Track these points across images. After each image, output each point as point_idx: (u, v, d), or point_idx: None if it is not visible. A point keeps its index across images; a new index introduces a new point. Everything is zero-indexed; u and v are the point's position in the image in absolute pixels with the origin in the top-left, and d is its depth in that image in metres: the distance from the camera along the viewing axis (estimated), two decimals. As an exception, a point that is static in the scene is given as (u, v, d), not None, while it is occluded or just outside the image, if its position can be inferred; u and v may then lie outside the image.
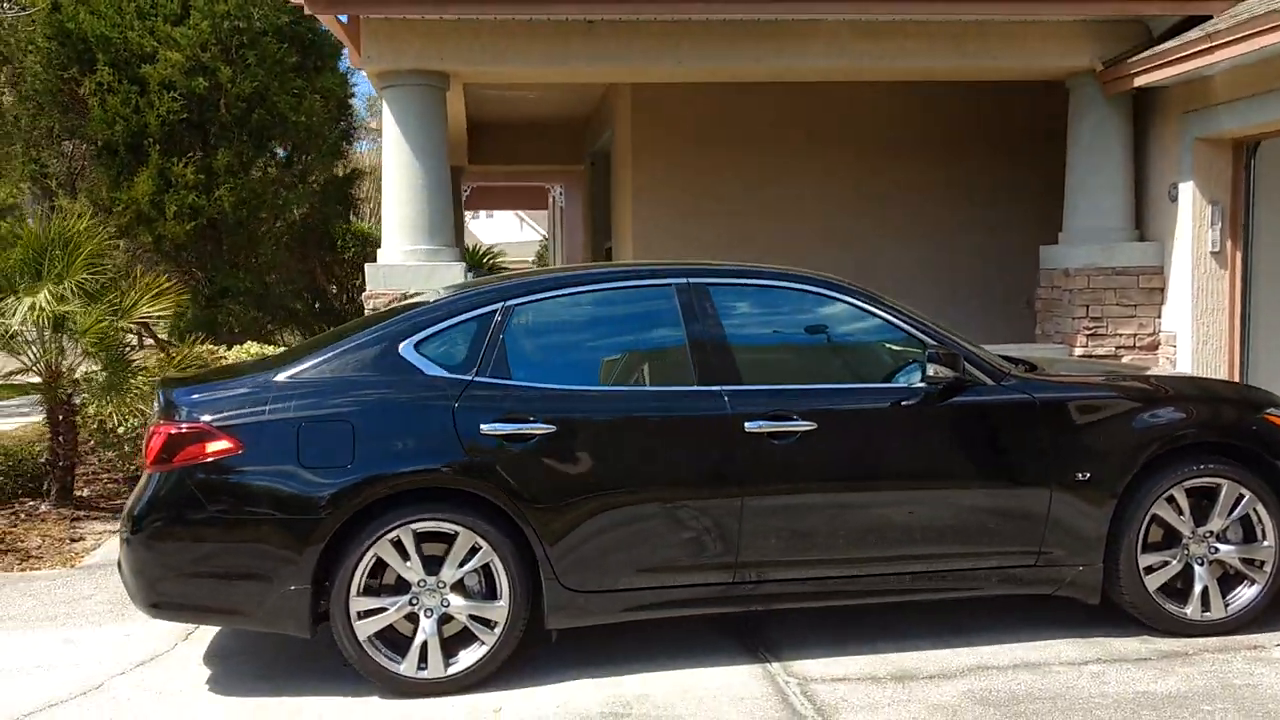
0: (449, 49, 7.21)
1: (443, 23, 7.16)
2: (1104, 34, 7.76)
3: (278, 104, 9.87)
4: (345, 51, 9.95)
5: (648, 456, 4.45)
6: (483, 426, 4.33)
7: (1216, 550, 4.78)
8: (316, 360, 4.53)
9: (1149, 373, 5.42)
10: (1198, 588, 4.76)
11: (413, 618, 4.35)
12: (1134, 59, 7.48)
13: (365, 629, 4.29)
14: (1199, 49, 6.83)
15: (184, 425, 4.31)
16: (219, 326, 9.57)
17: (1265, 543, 4.78)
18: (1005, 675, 4.37)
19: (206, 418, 4.32)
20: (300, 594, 4.25)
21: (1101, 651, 4.60)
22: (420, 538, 4.32)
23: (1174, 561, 4.75)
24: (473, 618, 4.36)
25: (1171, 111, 7.77)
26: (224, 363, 8.33)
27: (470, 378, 4.44)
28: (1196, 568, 4.77)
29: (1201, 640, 4.70)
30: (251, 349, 8.58)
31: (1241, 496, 4.75)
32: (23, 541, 7.06)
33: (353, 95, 11.55)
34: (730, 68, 7.59)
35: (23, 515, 7.63)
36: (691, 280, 4.71)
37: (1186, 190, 7.63)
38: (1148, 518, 4.70)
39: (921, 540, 4.60)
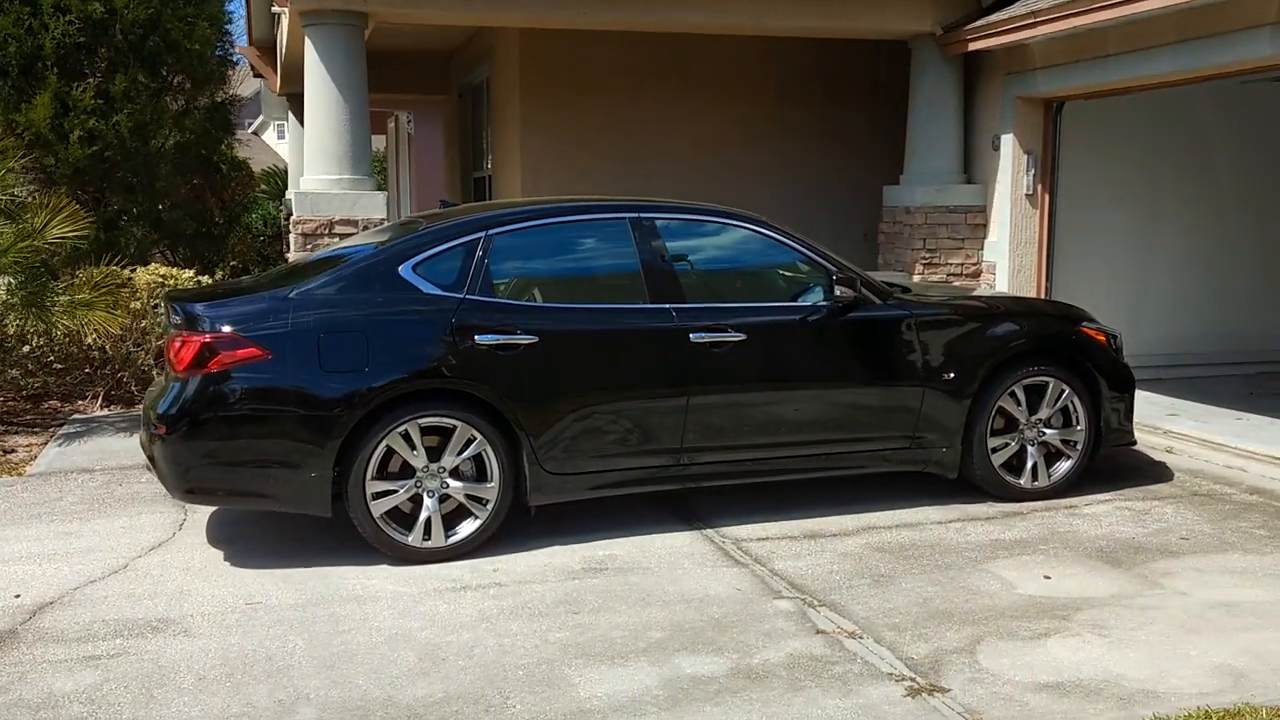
0: (372, -8, 7.77)
1: (366, -33, 7.70)
2: (943, 2, 8.96)
3: (171, 30, 10.06)
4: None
5: (613, 362, 5.38)
6: (477, 337, 5.15)
7: (1044, 434, 6.08)
8: (323, 280, 5.23)
9: (994, 294, 6.65)
10: (1029, 463, 6.06)
11: (417, 498, 5.16)
12: (969, 27, 8.72)
13: (379, 508, 5.08)
14: (1025, 23, 8.10)
15: (215, 335, 4.96)
16: (118, 249, 9.79)
17: (1079, 427, 6.12)
18: (891, 532, 5.55)
19: (235, 328, 4.98)
20: (322, 479, 5.00)
21: (960, 514, 5.85)
22: (424, 431, 5.13)
23: (1013, 443, 6.03)
24: (469, 496, 5.21)
25: (996, 73, 9.08)
26: (133, 282, 8.71)
27: (462, 295, 5.23)
28: (1029, 448, 6.06)
29: (1032, 503, 6.00)
30: (158, 271, 8.95)
31: (1063, 391, 6.06)
32: (-45, 454, 7.37)
33: (230, 20, 11.72)
34: (626, 19, 8.42)
35: (-60, 431, 7.88)
36: (641, 214, 5.62)
37: (1007, 141, 8.98)
38: (995, 409, 5.95)
39: (824, 428, 5.71)
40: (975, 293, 6.66)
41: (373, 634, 4.34)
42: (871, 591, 4.74)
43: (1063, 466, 6.13)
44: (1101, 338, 6.22)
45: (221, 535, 5.60)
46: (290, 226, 8.09)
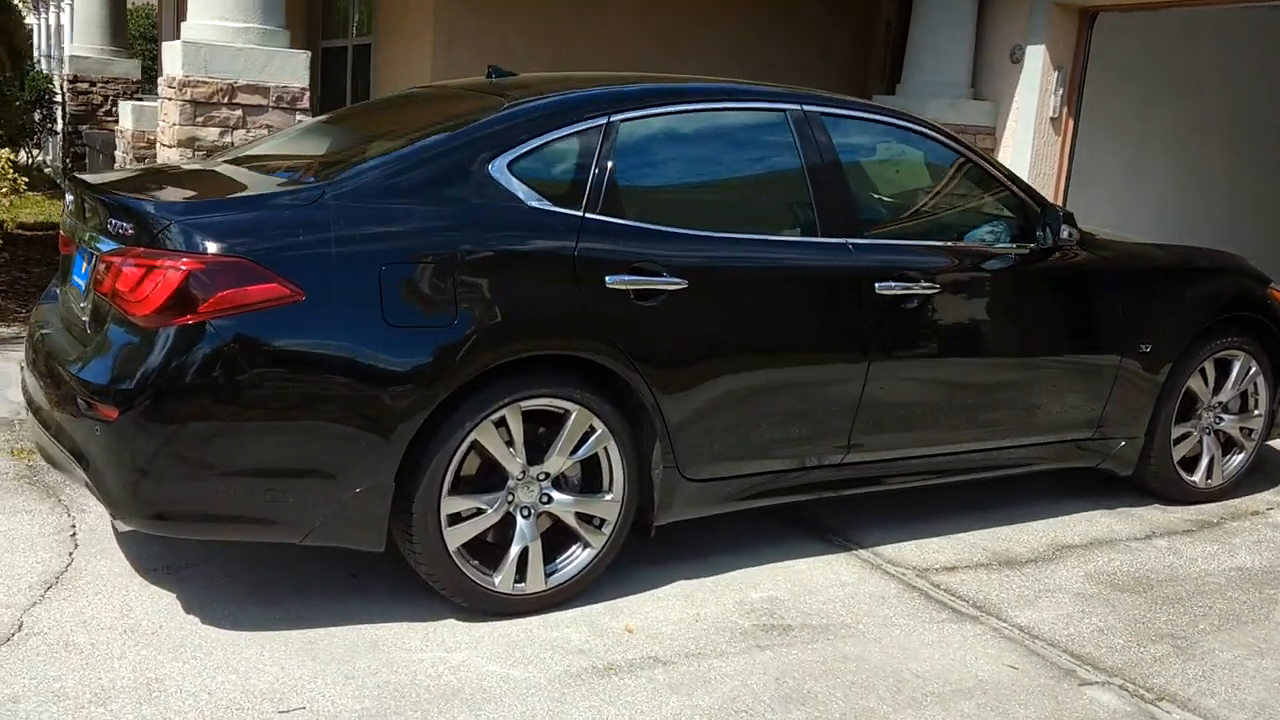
0: None
1: None
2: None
3: None
4: None
5: (781, 319, 3.71)
6: (608, 279, 3.37)
7: (1221, 420, 4.90)
8: (377, 174, 3.27)
9: (1168, 242, 5.23)
10: (1205, 458, 4.86)
11: (507, 520, 3.38)
12: (1014, -88, 7.35)
13: (457, 537, 3.27)
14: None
15: (207, 260, 2.96)
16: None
17: (1257, 412, 4.96)
18: (1097, 555, 4.21)
19: (240, 250, 2.99)
20: (379, 493, 3.13)
21: (1143, 524, 4.59)
22: (525, 418, 3.33)
23: (1195, 433, 4.82)
24: (579, 516, 3.47)
25: (1026, -28, 7.76)
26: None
27: (581, 214, 3.42)
28: (1205, 438, 4.87)
29: (1207, 506, 4.83)
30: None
31: (1250, 368, 4.88)
32: None
33: None
34: None
35: None
36: (806, 107, 3.92)
37: (1035, 54, 7.71)
38: (1183, 390, 4.70)
39: (1016, 413, 4.28)
40: (1168, 242, 5.13)
41: (542, 782, 2.61)
42: (1192, 667, 3.38)
43: (1234, 460, 4.97)
44: (1285, 302, 5.06)
45: (149, 559, 3.61)
46: (166, 90, 5.82)
